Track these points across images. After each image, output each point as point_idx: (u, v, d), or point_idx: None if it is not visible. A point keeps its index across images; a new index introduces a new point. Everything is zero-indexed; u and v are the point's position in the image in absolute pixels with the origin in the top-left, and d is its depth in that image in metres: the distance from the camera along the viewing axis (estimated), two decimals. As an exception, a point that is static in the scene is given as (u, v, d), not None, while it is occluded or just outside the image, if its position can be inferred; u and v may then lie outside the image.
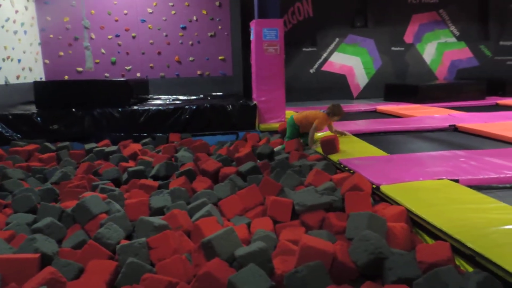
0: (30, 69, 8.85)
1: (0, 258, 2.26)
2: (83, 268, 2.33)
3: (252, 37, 6.82)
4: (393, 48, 10.42)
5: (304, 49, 10.05)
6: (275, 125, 6.53)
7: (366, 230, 2.39)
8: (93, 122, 6.43)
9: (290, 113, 7.19)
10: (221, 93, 9.51)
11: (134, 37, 9.67)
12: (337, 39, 10.16)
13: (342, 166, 3.94)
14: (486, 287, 1.85)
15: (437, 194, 2.90)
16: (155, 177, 4.22)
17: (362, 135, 5.45)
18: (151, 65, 9.81)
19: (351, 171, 3.68)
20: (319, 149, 4.61)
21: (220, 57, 9.99)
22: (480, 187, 3.17)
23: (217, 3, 9.83)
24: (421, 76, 10.46)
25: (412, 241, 2.56)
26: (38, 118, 6.34)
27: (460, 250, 2.22)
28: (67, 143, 5.77)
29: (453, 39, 10.64)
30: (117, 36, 9.60)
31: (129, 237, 2.83)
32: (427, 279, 1.95)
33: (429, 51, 10.61)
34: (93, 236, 2.66)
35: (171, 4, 9.69)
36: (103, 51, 9.58)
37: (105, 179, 4.18)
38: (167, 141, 6.03)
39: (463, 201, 2.74)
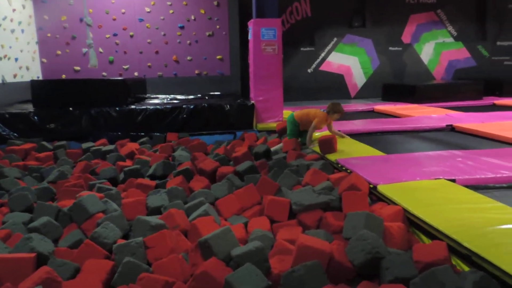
0: (27, 68, 8.81)
1: (-5, 258, 2.25)
2: (79, 267, 2.32)
3: (250, 37, 6.82)
4: (390, 48, 10.43)
5: (302, 48, 10.05)
6: (272, 124, 6.53)
7: (363, 229, 2.39)
8: (90, 121, 6.42)
9: (288, 113, 7.18)
10: (219, 93, 9.51)
11: (131, 36, 9.65)
12: (335, 39, 10.16)
13: (339, 165, 3.95)
14: (483, 287, 1.86)
15: (434, 194, 2.90)
16: (152, 177, 4.22)
17: (360, 135, 5.45)
18: (148, 64, 9.79)
19: (349, 171, 3.68)
20: (317, 149, 4.61)
21: (218, 57, 9.97)
22: (477, 187, 3.17)
23: (215, 3, 9.82)
24: (418, 76, 10.47)
25: (409, 240, 2.57)
26: (35, 117, 6.32)
27: (456, 249, 2.22)
28: (64, 142, 5.76)
29: (451, 39, 10.66)
30: (114, 35, 9.58)
31: (126, 236, 2.83)
32: (424, 278, 1.96)
33: (426, 51, 10.62)
34: (90, 235, 2.66)
35: (169, 3, 9.67)
36: (100, 50, 9.55)
37: (102, 178, 4.17)
38: (165, 141, 6.02)
39: (460, 201, 2.74)
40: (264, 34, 6.59)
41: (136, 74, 9.76)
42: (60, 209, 3.07)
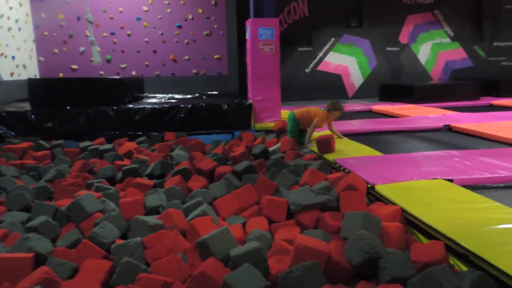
0: (24, 66, 8.78)
1: (-7, 257, 2.24)
2: (78, 267, 2.32)
3: (247, 36, 6.81)
4: (388, 48, 10.46)
5: (299, 48, 10.05)
6: (270, 124, 6.53)
7: (361, 229, 2.39)
8: (88, 120, 6.40)
9: (286, 113, 7.20)
10: (216, 92, 9.50)
11: (129, 35, 9.63)
12: (332, 39, 10.18)
13: (337, 165, 3.95)
14: (480, 286, 1.87)
15: (432, 194, 2.92)
16: (150, 176, 4.21)
17: (357, 135, 5.46)
18: (146, 63, 9.78)
19: (346, 171, 3.69)
20: (315, 148, 4.62)
21: (215, 56, 9.97)
22: (474, 186, 3.19)
23: (213, 2, 9.81)
24: (416, 76, 10.51)
25: (407, 240, 2.57)
26: (32, 116, 6.30)
27: (454, 249, 2.23)
28: (61, 141, 5.74)
29: (448, 40, 10.70)
30: (112, 34, 9.55)
31: (124, 236, 2.82)
32: (421, 278, 1.96)
33: (424, 52, 10.66)
34: (88, 235, 2.65)
35: (166, 2, 9.66)
36: (98, 48, 9.53)
37: (100, 177, 4.16)
38: (163, 140, 6.02)
39: (457, 201, 2.75)
40: (262, 34, 6.59)
41: (133, 73, 9.74)
42: (58, 209, 3.06)
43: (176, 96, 8.73)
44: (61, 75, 9.46)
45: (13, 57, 8.29)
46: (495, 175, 3.30)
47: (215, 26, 9.88)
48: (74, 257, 2.42)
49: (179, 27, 9.77)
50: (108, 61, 9.62)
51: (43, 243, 2.45)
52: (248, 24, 6.72)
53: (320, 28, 10.03)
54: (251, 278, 2.08)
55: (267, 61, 6.64)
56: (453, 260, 2.24)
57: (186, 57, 9.88)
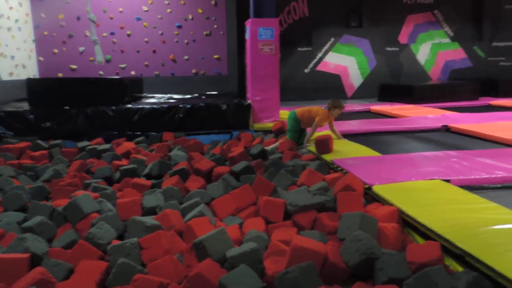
0: (24, 66, 8.78)
1: (-11, 258, 2.24)
2: (73, 268, 2.31)
3: (247, 36, 6.81)
4: (387, 49, 10.45)
5: (299, 48, 10.05)
6: (269, 124, 6.53)
7: (357, 230, 2.39)
8: (87, 120, 6.40)
9: (285, 113, 7.20)
10: (215, 92, 9.50)
11: (129, 35, 9.63)
12: (332, 39, 10.17)
13: (335, 166, 3.95)
14: (476, 287, 1.86)
15: (429, 194, 2.92)
16: (148, 176, 4.21)
17: (356, 135, 5.46)
18: (146, 63, 9.78)
19: (344, 171, 3.69)
20: (313, 149, 4.61)
21: (215, 56, 9.97)
22: (472, 187, 3.19)
23: (213, 2, 9.81)
24: (415, 77, 10.50)
25: (403, 241, 2.57)
26: (31, 116, 6.29)
27: (450, 250, 2.23)
28: (59, 141, 5.74)
29: (447, 40, 10.70)
30: (112, 34, 9.55)
31: (120, 237, 2.82)
32: (417, 279, 1.96)
33: (423, 52, 10.65)
34: (84, 236, 2.65)
35: (166, 2, 9.66)
36: (96, 49, 9.53)
37: (98, 177, 4.15)
38: (161, 140, 6.01)
39: (454, 201, 2.75)
40: (262, 34, 6.58)
41: (133, 73, 9.74)
42: (55, 209, 3.05)
43: (175, 96, 8.73)
44: (60, 75, 9.46)
45: (12, 57, 8.29)
46: (492, 176, 3.30)
47: (215, 26, 9.88)
48: (70, 257, 2.42)
49: (179, 27, 9.77)
50: (108, 61, 9.61)
51: (39, 243, 2.45)
52: (248, 24, 6.71)
53: (320, 28, 10.03)
54: (247, 279, 2.08)
55: (266, 61, 6.64)
56: (449, 261, 2.24)
57: (186, 57, 9.88)
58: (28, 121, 6.27)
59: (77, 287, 2.11)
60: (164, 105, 6.63)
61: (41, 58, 9.42)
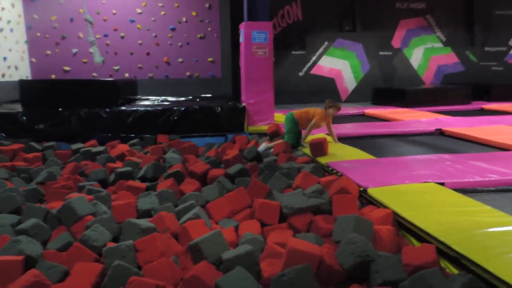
0: (16, 68, 8.71)
1: (-18, 260, 2.21)
2: (68, 270, 2.29)
3: (241, 40, 6.82)
4: (381, 53, 10.53)
5: (293, 52, 10.09)
6: (263, 127, 6.53)
7: (353, 233, 2.40)
8: (80, 122, 6.36)
9: (279, 116, 7.22)
10: (210, 95, 9.49)
11: (122, 37, 9.60)
12: (326, 43, 10.23)
13: (330, 169, 3.97)
14: (471, 290, 1.88)
15: (423, 197, 2.94)
16: (143, 179, 4.19)
17: (350, 139, 5.49)
18: (139, 65, 9.75)
19: (339, 174, 3.70)
20: (307, 151, 4.63)
21: (209, 59, 9.97)
22: (465, 190, 3.21)
23: (207, 5, 9.82)
24: (408, 81, 10.59)
25: (399, 243, 2.59)
26: (24, 117, 6.24)
27: (445, 252, 2.25)
28: (53, 143, 5.70)
29: (440, 45, 10.81)
30: (105, 36, 9.52)
31: (115, 239, 2.80)
32: (413, 281, 1.97)
33: (416, 56, 10.75)
34: (79, 238, 2.63)
35: (160, 4, 9.65)
36: (91, 50, 9.49)
37: (92, 180, 4.13)
38: (155, 142, 6.00)
39: (448, 204, 2.77)
40: (256, 37, 6.60)
41: (126, 75, 9.71)
42: (49, 211, 3.03)
43: (170, 98, 8.71)
44: (53, 76, 9.39)
45: (4, 58, 8.22)
46: (486, 179, 3.33)
47: (209, 29, 9.89)
48: (65, 260, 2.40)
49: (173, 29, 9.76)
50: (102, 63, 9.57)
51: (33, 246, 2.43)
52: (242, 27, 6.73)
53: (313, 32, 10.08)
54: (243, 282, 2.08)
55: (260, 64, 6.65)
56: (444, 263, 2.26)
57: (180, 60, 9.87)
58: (21, 123, 6.22)
59: (72, 290, 2.10)
60: (158, 108, 6.62)
61: (34, 60, 9.35)
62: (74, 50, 9.43)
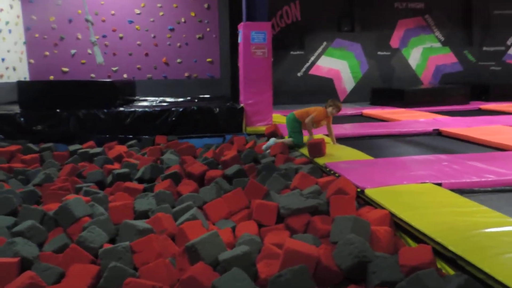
0: (14, 69, 8.71)
1: (-22, 262, 2.21)
2: (64, 272, 2.29)
3: (240, 40, 6.82)
4: (379, 53, 10.54)
5: (292, 52, 10.09)
6: (262, 128, 6.53)
7: (350, 233, 2.40)
8: (78, 123, 6.35)
9: (278, 116, 7.22)
10: (208, 96, 9.49)
11: (121, 38, 9.59)
12: (324, 43, 10.23)
13: (328, 169, 3.96)
14: (467, 290, 1.88)
15: (420, 198, 2.93)
16: (140, 180, 4.19)
17: (348, 139, 5.49)
18: (138, 66, 9.75)
19: (337, 175, 3.70)
20: (306, 152, 4.62)
21: (208, 60, 9.97)
22: (463, 190, 3.21)
23: (206, 5, 9.82)
24: (406, 81, 10.59)
25: (396, 244, 2.59)
26: (21, 119, 6.23)
27: (442, 253, 2.25)
28: (50, 144, 5.68)
29: (438, 44, 10.81)
30: (104, 36, 9.51)
31: (112, 240, 2.80)
32: (409, 282, 1.98)
33: (414, 56, 10.75)
34: (76, 239, 2.62)
35: (159, 5, 9.65)
36: (89, 51, 9.48)
37: (89, 181, 4.12)
38: (153, 144, 5.99)
39: (445, 205, 2.77)
40: (254, 38, 6.60)
41: (125, 76, 9.70)
42: (46, 213, 3.02)
43: (168, 99, 8.71)
44: (51, 77, 9.38)
45: (3, 59, 8.22)
46: (483, 179, 3.33)
47: (208, 29, 9.89)
48: (61, 261, 2.40)
49: (172, 30, 9.76)
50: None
51: (29, 247, 2.42)
52: (241, 28, 6.73)
53: (312, 32, 10.08)
54: (240, 283, 2.08)
55: (259, 65, 6.65)
56: (440, 264, 2.26)
57: (178, 60, 9.87)
58: (18, 124, 6.21)
59: (68, 292, 2.09)
60: (156, 108, 6.61)
61: (32, 61, 9.34)
62: (73, 51, 9.43)
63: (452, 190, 3.15)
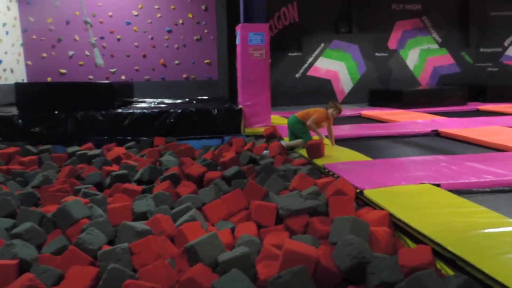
0: (12, 71, 8.68)
1: (-24, 265, 2.20)
2: (63, 274, 2.28)
3: (237, 41, 6.83)
4: (377, 54, 10.56)
5: (289, 53, 10.11)
6: (260, 129, 6.53)
7: (349, 234, 2.40)
8: (76, 125, 6.34)
9: (276, 118, 7.23)
10: (206, 97, 9.49)
11: (119, 40, 9.58)
12: (322, 44, 10.25)
13: (326, 170, 3.97)
14: (466, 291, 1.88)
15: (419, 198, 2.94)
16: (139, 182, 4.18)
17: (347, 140, 5.50)
18: (136, 68, 9.74)
19: (335, 176, 3.70)
20: (304, 153, 4.63)
21: (205, 61, 9.97)
22: (461, 191, 3.22)
23: (203, 7, 9.82)
24: (404, 82, 10.62)
25: (395, 245, 2.59)
26: (19, 121, 6.22)
27: (441, 253, 2.25)
28: (49, 146, 5.67)
29: (436, 46, 10.85)
30: (101, 38, 9.50)
31: (111, 242, 2.79)
32: (409, 283, 1.98)
33: (412, 57, 10.79)
34: (74, 241, 2.61)
35: (156, 7, 9.65)
36: (87, 53, 9.47)
37: (88, 183, 4.12)
38: (152, 145, 5.98)
39: (444, 205, 2.78)
40: (252, 39, 6.61)
41: (123, 77, 9.69)
42: (44, 215, 3.01)
43: (166, 100, 8.70)
44: (49, 79, 9.36)
45: (0, 61, 8.19)
46: (481, 180, 3.34)
47: (206, 31, 9.89)
48: (60, 263, 2.39)
49: (169, 31, 9.76)
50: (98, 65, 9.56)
51: (27, 249, 2.41)
52: (238, 29, 6.73)
53: (310, 33, 10.10)
54: (239, 284, 2.07)
55: (257, 66, 6.66)
56: (440, 265, 2.26)
57: (176, 62, 9.87)
58: (16, 126, 6.20)
59: (67, 294, 2.09)
60: (154, 110, 6.61)
61: (29, 62, 9.32)
62: (70, 53, 9.41)
63: (451, 190, 3.16)
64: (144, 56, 9.72)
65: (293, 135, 5.14)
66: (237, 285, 2.06)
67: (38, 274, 2.21)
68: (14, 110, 6.62)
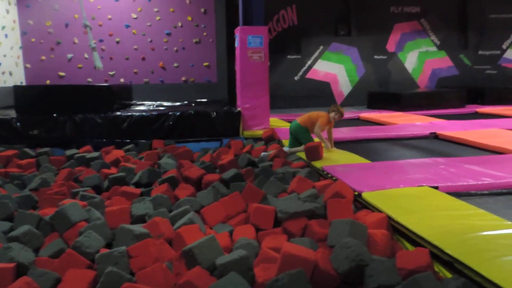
0: (11, 73, 8.68)
1: (-27, 268, 2.19)
2: (60, 278, 2.27)
3: (236, 44, 6.84)
4: (376, 57, 10.59)
5: (288, 56, 10.12)
6: (259, 132, 6.53)
7: (347, 237, 2.40)
8: (75, 127, 6.34)
9: (275, 120, 7.23)
10: (205, 100, 9.49)
11: (118, 42, 9.59)
12: (321, 47, 10.27)
13: (325, 173, 3.96)
14: (464, 294, 1.88)
15: (417, 201, 2.94)
16: (138, 184, 4.18)
17: (345, 143, 5.50)
18: (135, 70, 9.74)
19: (334, 178, 3.70)
20: (302, 155, 4.63)
21: (204, 64, 9.98)
22: (459, 193, 3.22)
23: (202, 10, 9.84)
24: (403, 84, 10.64)
25: (393, 247, 2.58)
26: (18, 123, 6.22)
27: (439, 256, 2.25)
28: (47, 149, 5.67)
29: (434, 48, 10.88)
30: (100, 41, 9.51)
31: (109, 245, 2.78)
32: (407, 285, 1.97)
33: (410, 60, 10.81)
34: (72, 244, 2.61)
35: (156, 9, 9.66)
36: (86, 56, 9.48)
37: (86, 186, 4.11)
38: (150, 148, 5.98)
39: (442, 208, 2.78)
40: (251, 42, 6.62)
41: (122, 80, 9.70)
42: (42, 218, 3.01)
43: (165, 103, 8.71)
44: (48, 82, 9.37)
45: (-1, 64, 8.20)
46: (480, 182, 3.34)
47: (205, 33, 9.91)
48: (57, 267, 2.38)
49: (168, 34, 9.77)
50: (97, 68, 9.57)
51: (25, 253, 2.40)
52: (237, 32, 6.74)
53: (308, 36, 10.12)
54: (237, 287, 2.07)
55: (256, 69, 6.66)
56: (438, 267, 2.26)
57: (175, 65, 9.87)
58: (15, 129, 6.19)
59: (64, 297, 2.08)
60: (153, 113, 6.61)
61: (28, 65, 9.33)
62: (69, 56, 9.42)
63: (449, 193, 3.15)
64: (143, 59, 9.72)
65: (296, 141, 5.11)
66: (234, 288, 2.05)
67: (35, 278, 2.20)
68: (12, 113, 6.62)
